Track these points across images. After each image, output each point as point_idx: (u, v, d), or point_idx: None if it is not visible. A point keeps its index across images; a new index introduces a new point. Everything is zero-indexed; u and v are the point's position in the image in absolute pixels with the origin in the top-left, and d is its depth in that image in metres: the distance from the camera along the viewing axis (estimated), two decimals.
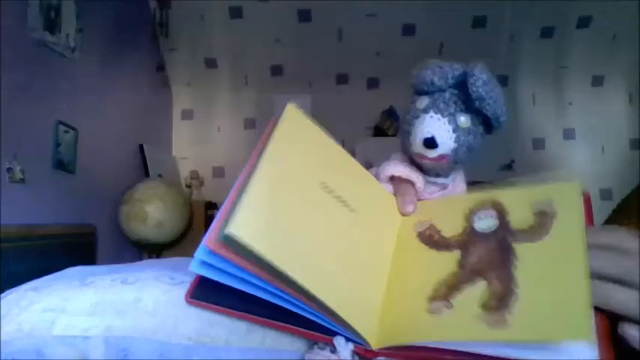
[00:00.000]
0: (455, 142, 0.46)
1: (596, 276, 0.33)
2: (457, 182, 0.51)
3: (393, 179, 0.50)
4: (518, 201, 0.42)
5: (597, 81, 2.67)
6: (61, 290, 0.46)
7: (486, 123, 0.47)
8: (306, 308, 0.36)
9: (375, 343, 0.37)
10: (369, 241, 0.44)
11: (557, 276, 0.34)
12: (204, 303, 0.41)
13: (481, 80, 0.43)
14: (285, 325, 0.38)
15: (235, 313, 0.40)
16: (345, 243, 0.42)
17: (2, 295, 0.48)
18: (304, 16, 2.59)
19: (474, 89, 0.43)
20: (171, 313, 0.43)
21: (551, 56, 2.65)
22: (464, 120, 0.46)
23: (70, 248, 1.78)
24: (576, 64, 2.65)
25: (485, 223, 0.42)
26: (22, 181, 1.57)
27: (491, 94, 0.44)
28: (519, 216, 0.41)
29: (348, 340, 0.37)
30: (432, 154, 0.46)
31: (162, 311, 0.43)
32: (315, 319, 0.37)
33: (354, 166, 0.50)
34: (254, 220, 0.35)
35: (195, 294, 0.41)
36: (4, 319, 0.43)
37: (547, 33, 2.60)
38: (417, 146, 0.47)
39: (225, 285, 0.37)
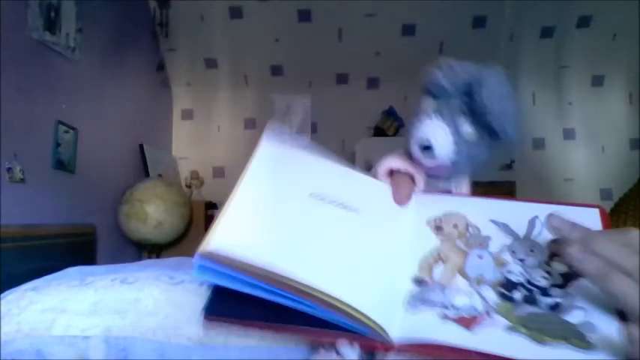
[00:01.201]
0: (455, 153, 0.44)
1: (616, 267, 0.34)
2: (461, 187, 0.49)
3: (392, 174, 0.49)
4: None
5: (597, 81, 2.67)
6: (61, 290, 0.46)
7: (493, 133, 0.44)
8: (317, 307, 0.36)
9: (395, 337, 0.37)
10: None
11: None
12: (220, 318, 0.39)
13: (488, 91, 0.40)
14: (302, 328, 0.37)
15: (251, 324, 0.38)
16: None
17: (2, 295, 0.48)
18: (304, 16, 2.59)
19: (479, 100, 0.41)
20: (171, 313, 0.43)
21: (551, 56, 2.65)
22: (468, 131, 0.43)
23: (70, 248, 1.78)
24: (576, 64, 2.65)
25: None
26: (22, 181, 1.57)
27: (500, 107, 0.41)
28: None
29: (359, 337, 0.36)
30: (429, 162, 0.45)
31: (162, 311, 0.43)
32: (328, 318, 0.36)
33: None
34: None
35: (210, 310, 0.39)
36: (4, 319, 0.43)
37: (547, 33, 2.60)
38: (415, 150, 0.45)
39: (237, 296, 0.37)
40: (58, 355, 0.41)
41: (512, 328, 0.36)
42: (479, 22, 2.57)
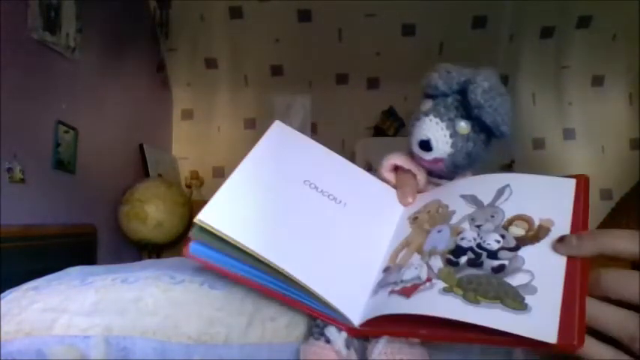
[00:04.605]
0: (452, 147, 0.46)
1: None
2: None
3: (396, 170, 0.51)
4: None
5: (597, 81, 2.67)
6: (62, 290, 0.46)
7: (488, 131, 0.46)
8: (290, 288, 0.39)
9: (357, 321, 0.39)
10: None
11: None
12: (202, 259, 0.40)
13: (481, 88, 0.43)
14: (278, 293, 0.40)
15: (231, 275, 0.40)
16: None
17: (2, 295, 0.48)
18: (304, 16, 2.59)
19: (472, 96, 0.43)
20: (172, 313, 0.43)
21: (551, 56, 2.65)
22: (463, 125, 0.46)
23: (70, 248, 1.78)
24: (576, 64, 2.65)
25: None
26: (22, 181, 1.57)
27: (491, 103, 0.43)
28: None
29: (337, 323, 0.39)
30: (427, 156, 0.47)
31: (162, 311, 0.43)
32: (301, 299, 0.39)
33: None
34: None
35: (194, 249, 0.41)
36: (4, 318, 0.43)
37: (547, 33, 2.60)
38: (414, 147, 0.48)
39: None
40: (58, 354, 0.41)
41: (447, 290, 0.35)
42: (479, 22, 2.56)
